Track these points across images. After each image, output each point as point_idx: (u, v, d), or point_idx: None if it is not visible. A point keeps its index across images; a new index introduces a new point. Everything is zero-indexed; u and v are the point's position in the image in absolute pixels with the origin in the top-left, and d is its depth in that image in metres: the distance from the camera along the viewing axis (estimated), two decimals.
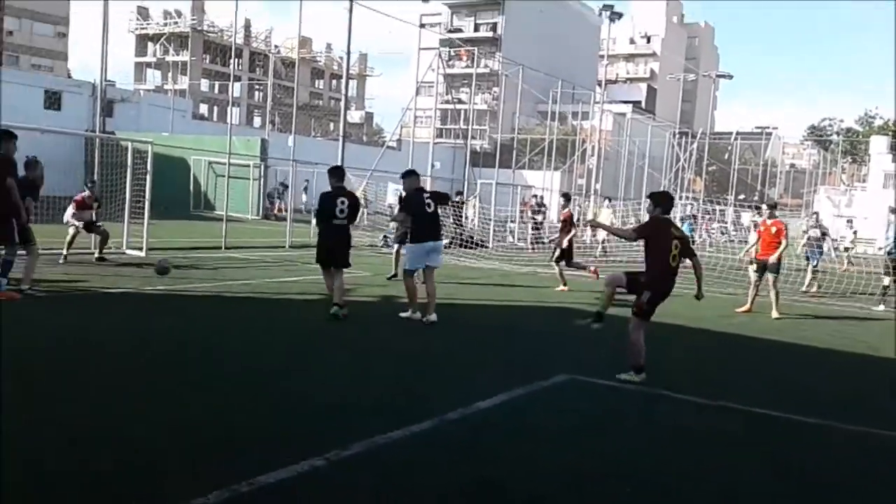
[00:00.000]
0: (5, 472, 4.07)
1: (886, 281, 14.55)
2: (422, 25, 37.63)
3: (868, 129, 72.74)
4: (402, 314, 9.75)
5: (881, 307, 14.22)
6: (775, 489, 4.78)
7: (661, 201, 7.44)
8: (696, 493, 4.66)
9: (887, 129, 69.89)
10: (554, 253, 14.36)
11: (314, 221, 11.12)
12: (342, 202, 9.36)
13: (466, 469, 4.72)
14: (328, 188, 9.58)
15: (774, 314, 12.23)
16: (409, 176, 9.91)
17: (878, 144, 58.41)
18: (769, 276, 12.50)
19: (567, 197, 15.76)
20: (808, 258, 17.41)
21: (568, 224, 14.30)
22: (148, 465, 4.40)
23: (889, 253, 14.67)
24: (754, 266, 12.91)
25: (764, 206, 13.73)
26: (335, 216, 9.36)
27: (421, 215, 9.52)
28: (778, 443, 5.76)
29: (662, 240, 7.05)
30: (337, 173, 9.73)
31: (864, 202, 47.46)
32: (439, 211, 10.09)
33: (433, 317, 9.46)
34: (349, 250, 9.68)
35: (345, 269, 9.64)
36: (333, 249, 9.48)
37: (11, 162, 9.00)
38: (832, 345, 10.17)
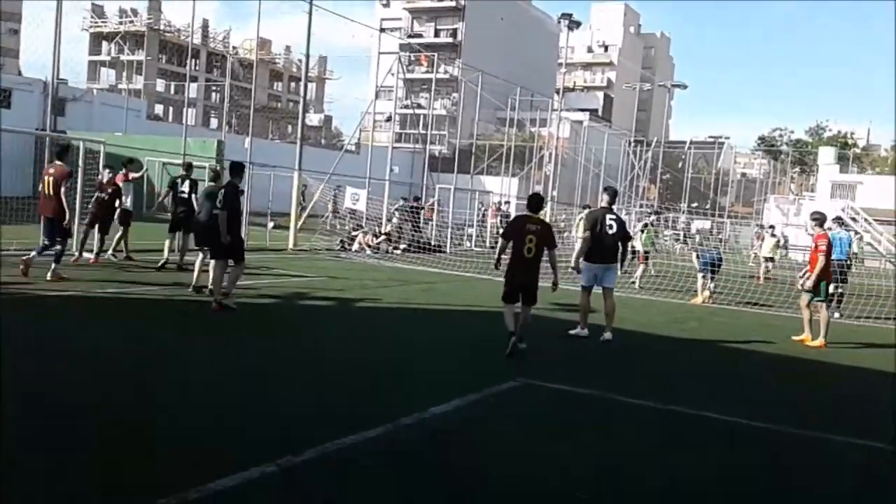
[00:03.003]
0: None
1: (831, 288, 14.92)
2: (382, 30, 37.62)
3: (817, 140, 74.80)
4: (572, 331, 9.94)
5: (836, 314, 14.58)
6: (724, 491, 4.89)
7: (529, 202, 8.95)
8: (651, 496, 4.73)
9: (836, 141, 71.99)
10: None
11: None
12: (222, 194, 9.87)
13: (420, 474, 4.73)
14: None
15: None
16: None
17: (826, 155, 60.07)
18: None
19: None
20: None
21: None
22: (93, 471, 4.33)
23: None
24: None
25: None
26: (214, 206, 9.90)
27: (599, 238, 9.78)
28: (726, 445, 5.89)
29: (517, 236, 8.45)
30: (235, 169, 10.20)
31: (812, 211, 48.70)
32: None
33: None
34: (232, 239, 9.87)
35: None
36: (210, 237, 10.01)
37: None
38: (785, 350, 10.40)
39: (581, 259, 9.83)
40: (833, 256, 14.96)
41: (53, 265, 10.96)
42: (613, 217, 9.83)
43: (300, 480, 4.43)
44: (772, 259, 22.70)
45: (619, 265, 10.29)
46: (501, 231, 9.84)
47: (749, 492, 4.98)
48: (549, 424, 6.13)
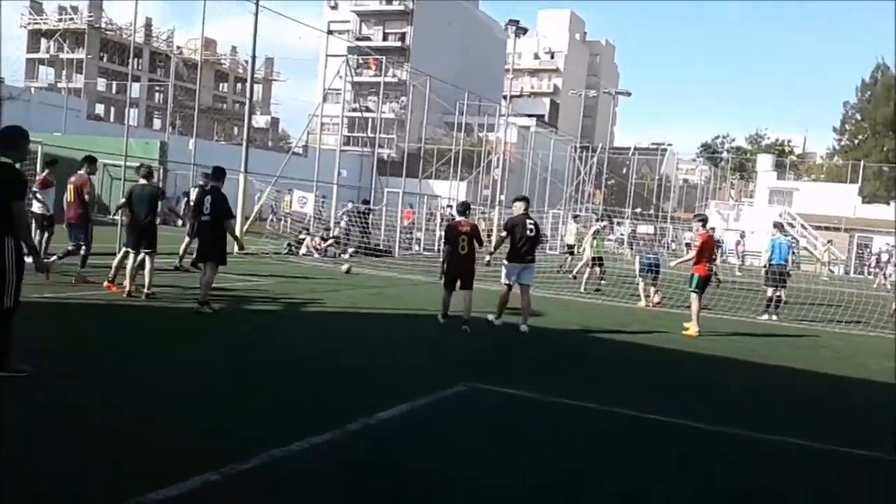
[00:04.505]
0: None
1: (770, 292, 15.40)
2: (329, 32, 37.41)
3: (756, 148, 76.99)
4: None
5: (765, 317, 15.02)
6: (669, 489, 4.97)
7: (459, 209, 11.54)
8: (598, 497, 4.79)
9: (774, 148, 74.18)
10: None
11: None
12: (208, 199, 10.18)
13: (368, 481, 4.70)
14: (230, 192, 10.31)
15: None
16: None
17: (765, 162, 61.96)
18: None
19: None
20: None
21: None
22: (25, 484, 4.18)
23: (768, 265, 15.58)
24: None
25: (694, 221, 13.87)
26: (201, 213, 10.36)
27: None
28: (667, 445, 6.00)
29: (453, 237, 10.55)
30: (217, 174, 10.59)
31: (751, 216, 50.12)
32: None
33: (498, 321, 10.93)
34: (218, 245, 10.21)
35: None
36: (202, 244, 10.44)
37: None
38: (718, 352, 10.65)
39: (505, 260, 10.97)
40: (773, 261, 15.56)
41: (79, 269, 11.69)
42: (532, 221, 10.92)
43: (245, 489, 4.35)
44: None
45: (534, 263, 11.27)
46: (445, 237, 11.49)
47: (696, 488, 5.07)
48: (495, 428, 6.15)
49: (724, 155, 75.92)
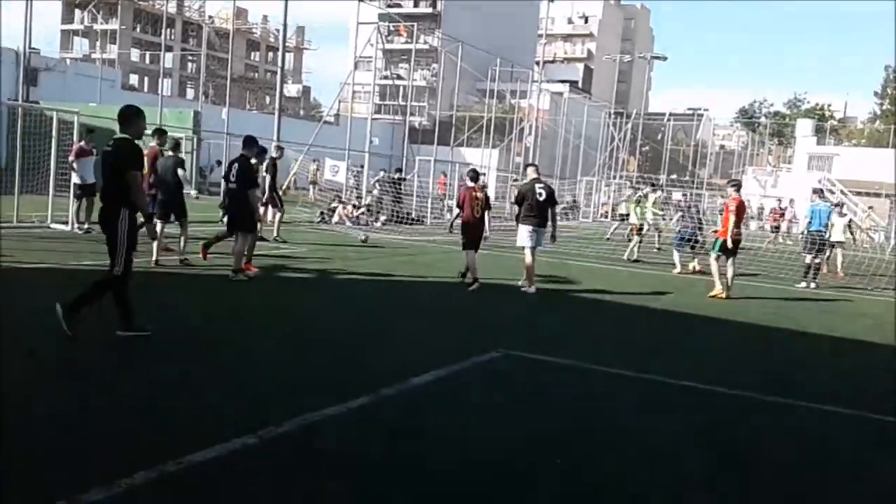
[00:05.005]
0: None
1: (808, 259, 15.13)
2: None
3: (795, 113, 75.24)
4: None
5: (802, 284, 14.79)
6: (700, 458, 4.95)
7: (470, 175, 11.82)
8: (627, 463, 4.78)
9: (813, 113, 72.41)
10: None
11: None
12: (235, 168, 10.21)
13: (403, 444, 4.74)
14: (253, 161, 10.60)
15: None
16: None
17: (804, 127, 60.48)
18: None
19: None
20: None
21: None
22: (70, 445, 4.28)
23: (807, 232, 15.29)
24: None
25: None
26: (228, 180, 10.34)
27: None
28: (702, 413, 5.96)
29: (467, 202, 11.20)
30: (246, 143, 10.56)
31: (790, 183, 49.13)
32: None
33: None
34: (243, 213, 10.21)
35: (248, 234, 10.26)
36: (229, 213, 10.46)
37: None
38: (758, 320, 10.52)
39: (520, 223, 11.44)
40: (812, 227, 15.25)
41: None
42: (542, 186, 11.37)
43: (281, 451, 4.42)
44: (841, 243, 18.10)
45: (549, 227, 11.53)
46: (456, 202, 12.44)
47: (724, 454, 5.04)
48: (529, 394, 6.16)
49: (762, 120, 74.40)
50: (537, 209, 11.17)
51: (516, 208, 11.92)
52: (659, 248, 18.45)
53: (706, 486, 4.54)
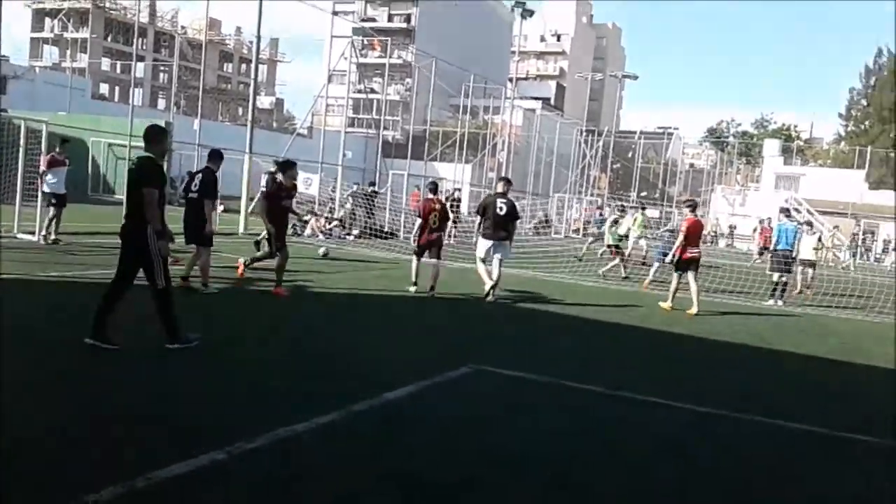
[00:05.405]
0: None
1: (775, 277, 15.36)
2: (335, 13, 37.15)
3: (762, 133, 76.57)
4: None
5: (770, 301, 15.00)
6: (673, 474, 4.98)
7: (429, 187, 12.88)
8: (603, 479, 4.79)
9: (780, 133, 73.77)
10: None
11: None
12: (198, 178, 10.16)
13: (377, 461, 4.70)
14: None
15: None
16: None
17: (771, 147, 61.58)
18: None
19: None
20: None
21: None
22: (35, 459, 4.20)
23: (774, 251, 15.55)
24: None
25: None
26: (188, 191, 10.17)
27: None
28: (672, 429, 6.00)
29: (426, 214, 12.06)
30: (212, 156, 10.46)
31: (757, 201, 49.92)
32: None
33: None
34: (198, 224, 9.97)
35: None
36: (186, 224, 10.15)
37: None
38: (725, 336, 10.63)
39: (479, 236, 12.03)
40: (779, 246, 15.51)
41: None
42: (504, 201, 11.80)
43: (250, 467, 4.36)
44: (812, 265, 17.65)
45: (509, 241, 12.11)
46: (417, 213, 12.94)
47: (699, 471, 5.08)
48: (500, 409, 6.15)
49: (731, 139, 75.57)
50: (495, 223, 11.66)
51: (478, 219, 12.32)
52: (626, 277, 17.81)
53: (677, 498, 4.57)
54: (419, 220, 12.31)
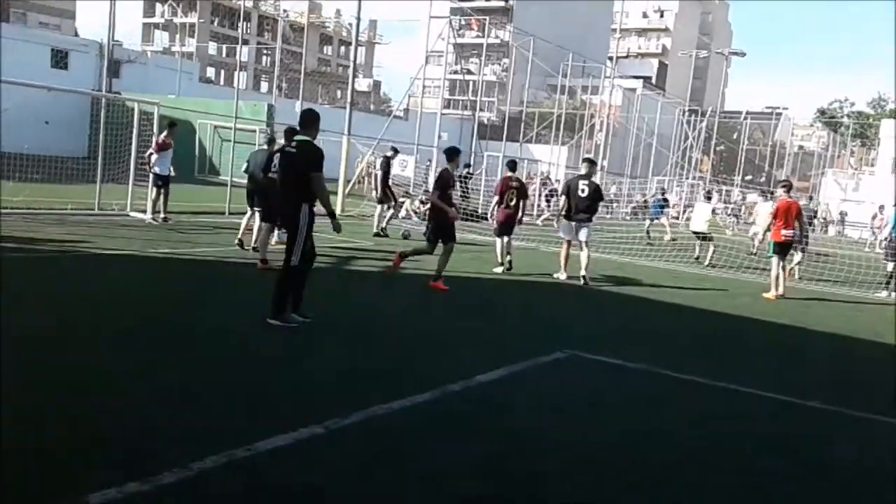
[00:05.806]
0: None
1: (890, 267, 14.52)
2: None
3: (879, 113, 72.19)
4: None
5: (883, 293, 14.20)
6: (783, 471, 4.80)
7: (509, 165, 13.09)
8: (699, 468, 4.67)
9: None
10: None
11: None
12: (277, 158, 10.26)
13: (467, 441, 4.74)
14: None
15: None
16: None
17: (889, 128, 57.89)
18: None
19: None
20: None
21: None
22: (146, 428, 4.43)
23: (890, 238, 14.67)
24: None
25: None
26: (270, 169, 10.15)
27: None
28: (769, 420, 5.78)
29: (503, 192, 12.37)
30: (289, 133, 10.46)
31: (872, 187, 47.14)
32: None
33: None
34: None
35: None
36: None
37: None
38: (839, 329, 10.14)
39: (560, 217, 12.24)
40: (894, 233, 14.64)
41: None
42: (586, 182, 11.92)
43: (346, 442, 4.47)
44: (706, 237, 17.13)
45: (590, 223, 12.24)
46: (495, 191, 13.13)
47: (788, 462, 4.88)
48: (593, 397, 6.08)
49: (844, 120, 71.66)
50: (577, 205, 11.86)
51: (562, 200, 12.49)
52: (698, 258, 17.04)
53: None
54: (495, 198, 12.52)
